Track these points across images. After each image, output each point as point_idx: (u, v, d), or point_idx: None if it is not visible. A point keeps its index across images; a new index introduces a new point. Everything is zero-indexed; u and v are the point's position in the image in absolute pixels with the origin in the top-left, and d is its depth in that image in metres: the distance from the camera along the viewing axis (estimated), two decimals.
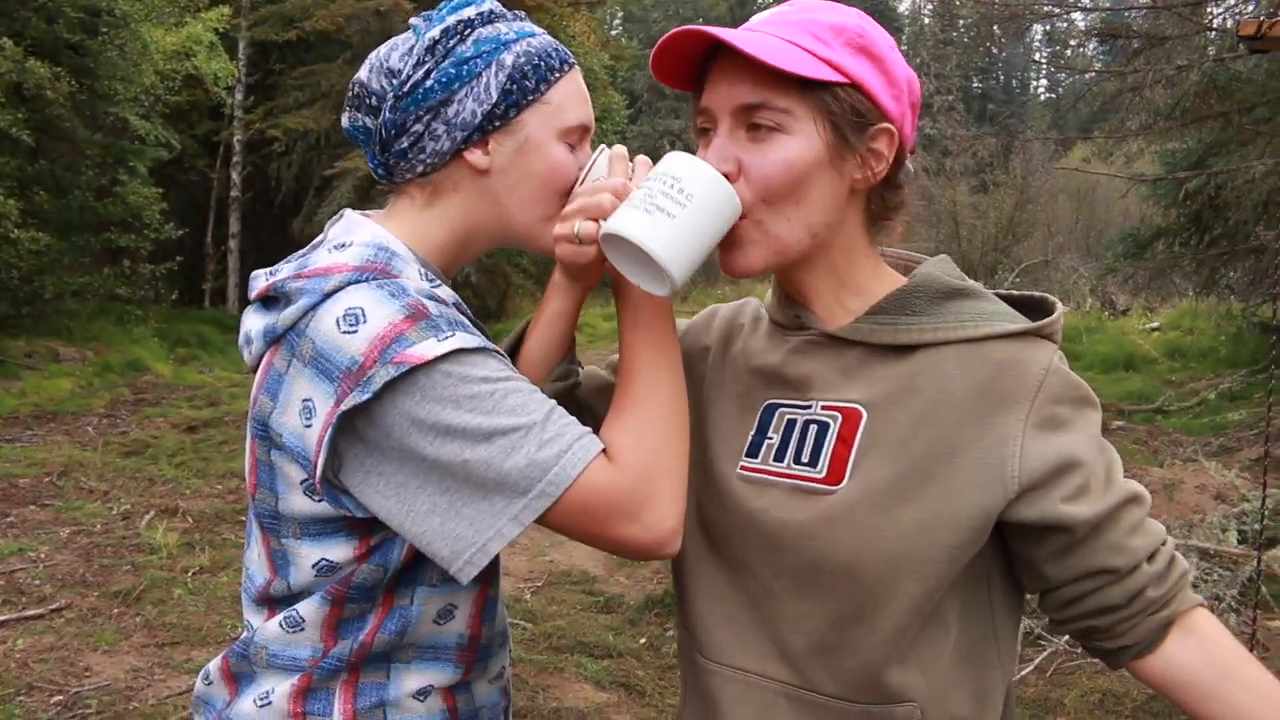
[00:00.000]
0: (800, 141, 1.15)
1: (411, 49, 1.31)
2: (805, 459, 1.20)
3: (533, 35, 1.34)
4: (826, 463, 1.18)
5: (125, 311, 14.50)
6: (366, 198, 16.99)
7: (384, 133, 1.31)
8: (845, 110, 1.15)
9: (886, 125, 1.18)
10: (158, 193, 14.88)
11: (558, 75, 1.33)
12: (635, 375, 1.24)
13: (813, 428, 1.21)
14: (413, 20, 1.35)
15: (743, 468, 1.26)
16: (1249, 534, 5.80)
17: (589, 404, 1.45)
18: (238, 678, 1.33)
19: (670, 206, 1.13)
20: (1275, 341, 3.37)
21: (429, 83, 1.29)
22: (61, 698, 4.18)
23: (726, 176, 1.15)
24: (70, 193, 13.39)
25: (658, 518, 1.16)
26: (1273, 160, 8.68)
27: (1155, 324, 16.33)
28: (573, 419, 1.18)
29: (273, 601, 1.32)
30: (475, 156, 1.31)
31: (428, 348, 1.14)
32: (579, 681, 4.42)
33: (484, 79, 1.29)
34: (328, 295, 1.20)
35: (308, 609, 1.27)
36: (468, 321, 1.25)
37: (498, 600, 1.41)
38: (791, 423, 1.23)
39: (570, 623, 5.04)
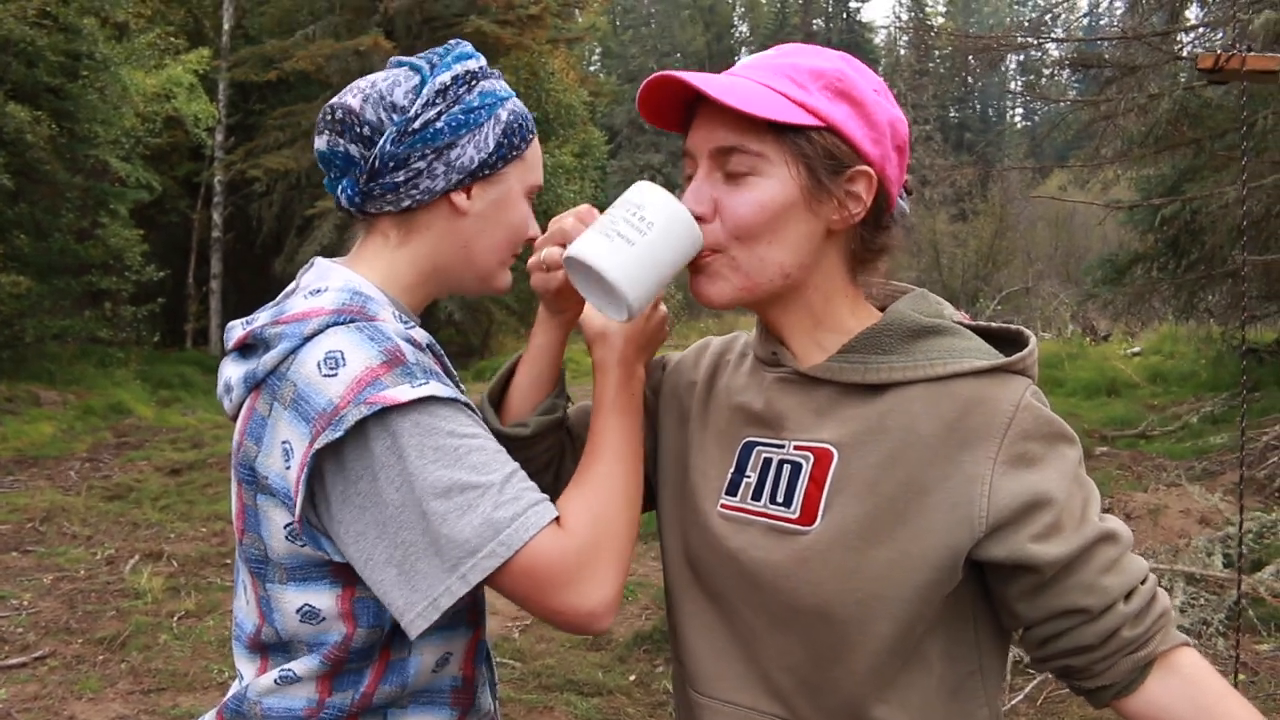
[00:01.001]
0: (773, 184, 1.16)
1: (418, 88, 1.35)
2: (780, 499, 1.21)
3: (514, 96, 1.43)
4: (800, 503, 1.19)
5: (107, 354, 14.45)
6: (347, 236, 17.00)
7: (378, 163, 1.33)
8: (819, 153, 1.16)
9: (864, 168, 1.19)
10: (139, 234, 14.88)
11: (531, 136, 1.43)
12: (601, 451, 1.29)
13: (786, 467, 1.21)
14: (412, 60, 1.39)
15: (723, 505, 1.27)
16: (1235, 557, 5.83)
17: (578, 435, 1.47)
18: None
19: (630, 233, 1.15)
20: (1245, 367, 3.40)
21: (439, 124, 1.34)
22: None
23: (700, 218, 1.18)
24: (51, 235, 13.37)
25: (595, 592, 1.19)
26: (1247, 186, 8.78)
27: (1136, 349, 16.45)
28: (531, 484, 1.21)
29: (265, 649, 1.33)
30: (460, 199, 1.37)
31: (401, 392, 1.17)
32: None
33: (485, 129, 1.37)
34: (308, 339, 1.23)
35: (303, 668, 1.29)
36: (441, 371, 1.29)
37: (485, 642, 1.44)
38: (768, 461, 1.24)
39: (559, 660, 5.01)
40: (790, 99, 1.16)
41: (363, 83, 1.37)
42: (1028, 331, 1.24)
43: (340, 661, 1.28)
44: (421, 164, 1.34)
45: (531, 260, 1.32)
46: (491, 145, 1.37)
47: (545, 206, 20.66)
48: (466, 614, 1.37)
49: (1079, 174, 14.72)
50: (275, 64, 18.56)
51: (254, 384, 1.27)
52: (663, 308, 1.37)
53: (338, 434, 1.16)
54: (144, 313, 15.19)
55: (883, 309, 1.30)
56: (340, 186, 1.38)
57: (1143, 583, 1.17)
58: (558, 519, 1.21)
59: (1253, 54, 3.08)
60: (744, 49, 67.39)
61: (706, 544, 1.28)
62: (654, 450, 1.43)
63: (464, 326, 19.75)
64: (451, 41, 1.42)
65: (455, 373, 1.40)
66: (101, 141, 13.88)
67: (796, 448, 1.21)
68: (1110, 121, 10.77)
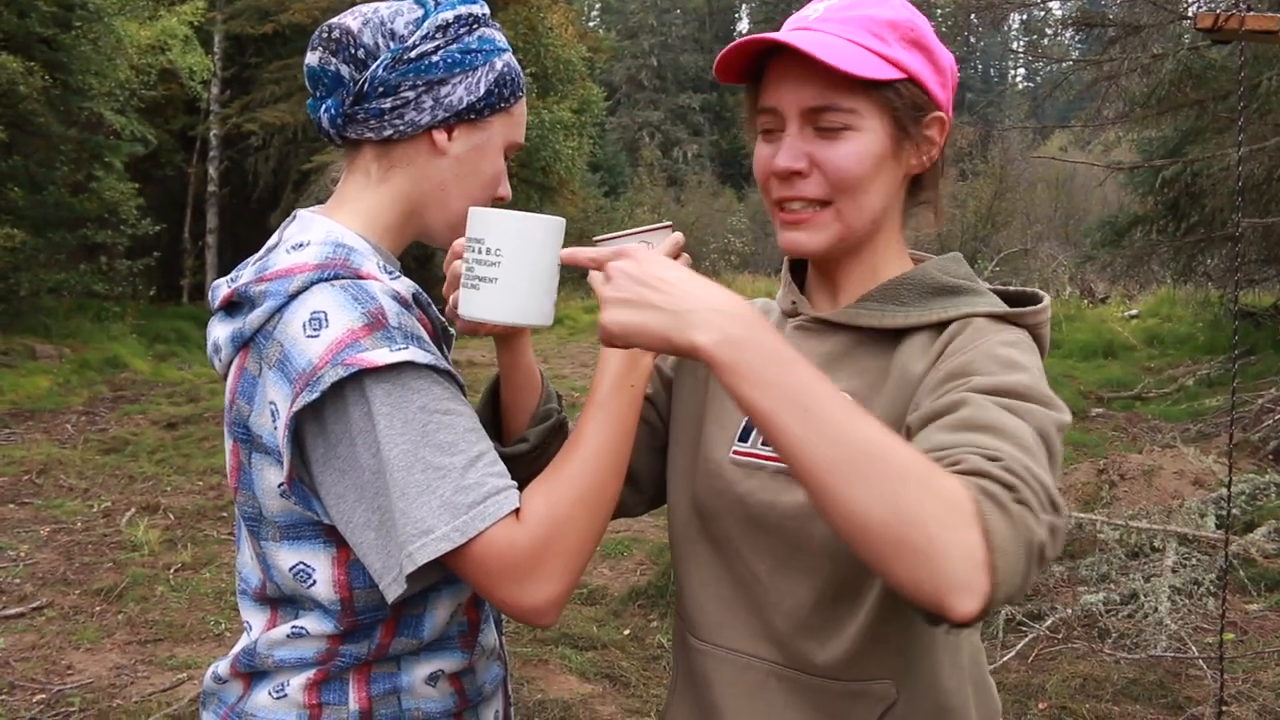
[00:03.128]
0: (867, 137, 1.20)
1: (419, 20, 1.36)
2: None
3: (510, 51, 1.43)
4: None
5: (103, 308, 14.42)
6: None
7: (367, 86, 1.34)
8: (905, 105, 1.21)
9: (939, 113, 1.24)
10: (134, 188, 14.79)
11: (521, 94, 1.44)
12: (578, 448, 1.27)
13: None
14: None
15: (735, 452, 1.30)
16: (1231, 517, 5.86)
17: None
18: (249, 675, 1.35)
19: (489, 272, 1.16)
20: (1237, 329, 3.40)
21: (435, 58, 1.35)
22: (44, 696, 4.16)
23: (798, 173, 1.20)
24: (45, 189, 13.29)
25: (539, 589, 1.19)
26: (1248, 148, 8.74)
27: (1134, 311, 16.46)
28: (498, 469, 1.20)
29: (273, 602, 1.35)
30: (440, 138, 1.37)
31: (379, 355, 1.17)
32: (564, 673, 4.43)
33: (479, 73, 1.37)
34: (292, 297, 1.23)
35: (315, 626, 1.31)
36: (425, 331, 1.28)
37: None
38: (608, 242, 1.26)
39: None
40: (874, 52, 1.19)
41: (365, 8, 1.37)
42: (1045, 295, 1.26)
43: (351, 622, 1.29)
44: (410, 94, 1.34)
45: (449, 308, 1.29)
46: (482, 90, 1.37)
47: (543, 162, 20.59)
48: None
49: (1080, 135, 14.65)
50: (271, 16, 18.38)
51: (241, 343, 1.28)
52: None
53: (314, 395, 1.17)
54: (140, 267, 15.15)
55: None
56: (324, 106, 1.38)
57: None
58: (517, 511, 1.20)
59: (1252, 14, 3.04)
60: (744, 5, 66.78)
61: (716, 490, 1.30)
62: (669, 412, 1.45)
63: None
64: None
65: (442, 320, 1.40)
66: (96, 93, 13.75)
67: None
68: (1113, 82, 10.70)
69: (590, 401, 1.31)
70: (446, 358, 1.37)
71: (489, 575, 1.18)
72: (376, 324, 1.20)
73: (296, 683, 1.31)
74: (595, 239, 1.31)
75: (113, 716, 4.03)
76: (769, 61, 1.24)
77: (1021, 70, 66.72)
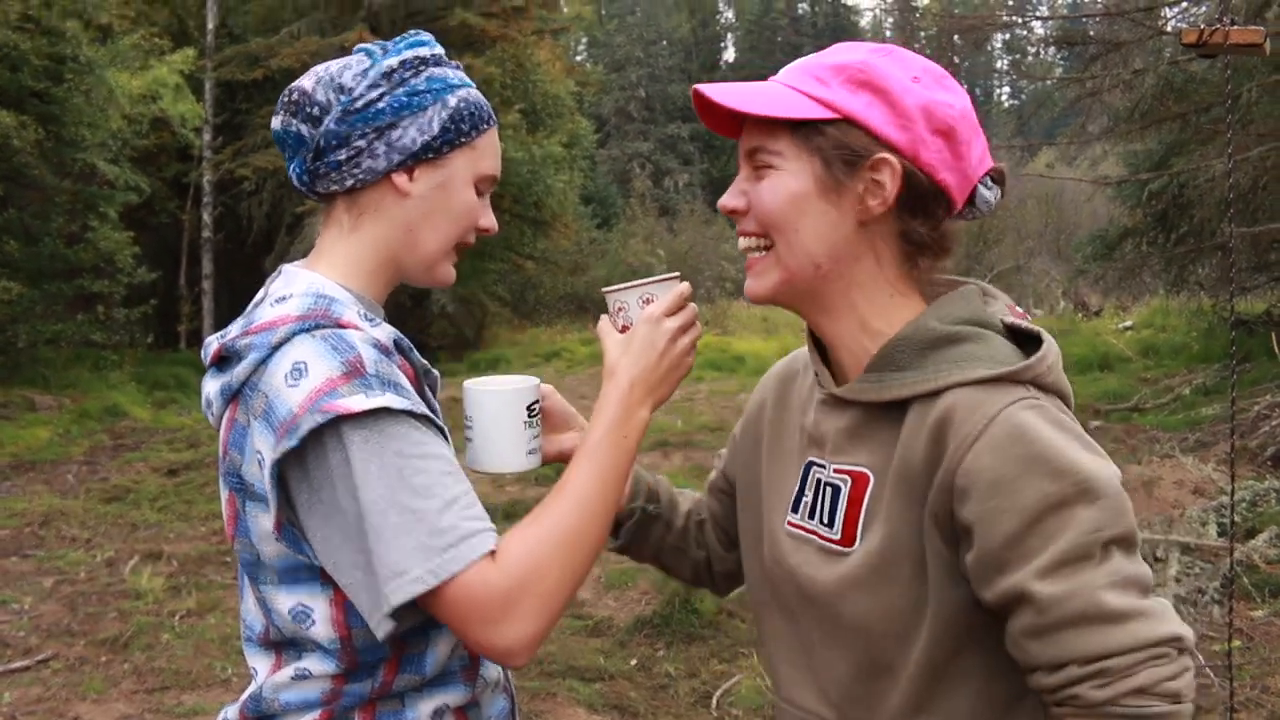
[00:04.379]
0: (788, 177, 1.23)
1: (365, 71, 1.40)
2: (825, 520, 1.27)
3: (471, 87, 1.45)
4: (840, 525, 1.25)
5: (101, 357, 14.42)
6: None
7: (322, 141, 1.38)
8: (831, 145, 1.21)
9: (885, 155, 1.20)
10: (129, 237, 14.81)
11: (486, 127, 1.45)
12: (563, 495, 1.31)
13: (829, 489, 1.27)
14: (364, 45, 1.45)
15: (789, 523, 1.35)
16: (1227, 526, 5.87)
17: (719, 498, 1.62)
18: (258, 718, 1.37)
19: (471, 434, 1.45)
20: (1234, 338, 3.43)
21: (381, 105, 1.38)
22: None
23: (735, 211, 1.28)
24: (41, 240, 13.33)
25: (512, 632, 1.22)
26: (1233, 159, 8.81)
27: (1128, 323, 16.50)
28: (475, 512, 1.24)
29: (277, 646, 1.37)
30: (401, 180, 1.40)
31: (355, 402, 1.21)
32: (572, 705, 4.42)
33: (429, 113, 1.40)
34: (275, 348, 1.28)
35: (318, 667, 1.33)
36: (405, 376, 1.32)
37: None
38: (820, 482, 1.29)
39: (560, 647, 5.04)
40: (809, 95, 1.22)
41: (320, 67, 1.43)
42: (1047, 336, 1.23)
43: (353, 661, 1.32)
44: (362, 143, 1.38)
45: None
46: (436, 129, 1.39)
47: (535, 197, 20.64)
48: None
49: (1066, 151, 14.74)
50: (261, 62, 18.49)
51: (230, 395, 1.33)
52: (683, 340, 1.38)
53: (292, 442, 1.21)
54: (137, 315, 15.15)
55: None
56: (292, 165, 1.44)
57: (1088, 664, 1.07)
58: (494, 553, 1.22)
59: (1235, 27, 3.08)
60: (729, 35, 67.27)
61: (775, 559, 1.35)
62: (734, 474, 1.53)
63: (457, 320, 19.74)
64: (411, 31, 1.47)
65: (426, 364, 1.44)
66: (89, 144, 13.81)
67: (836, 470, 1.27)
68: (1096, 98, 10.78)
69: (581, 449, 1.36)
70: (430, 401, 1.41)
71: (463, 616, 1.21)
72: (354, 372, 1.24)
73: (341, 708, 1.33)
74: (603, 290, 1.42)
75: None
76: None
77: (1006, 89, 67.12)
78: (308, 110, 1.39)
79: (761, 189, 1.24)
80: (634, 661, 4.90)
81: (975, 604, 1.15)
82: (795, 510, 1.33)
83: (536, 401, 1.47)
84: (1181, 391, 10.53)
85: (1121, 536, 1.08)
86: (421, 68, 1.41)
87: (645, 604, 5.65)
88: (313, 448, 1.23)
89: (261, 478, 1.27)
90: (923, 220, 1.24)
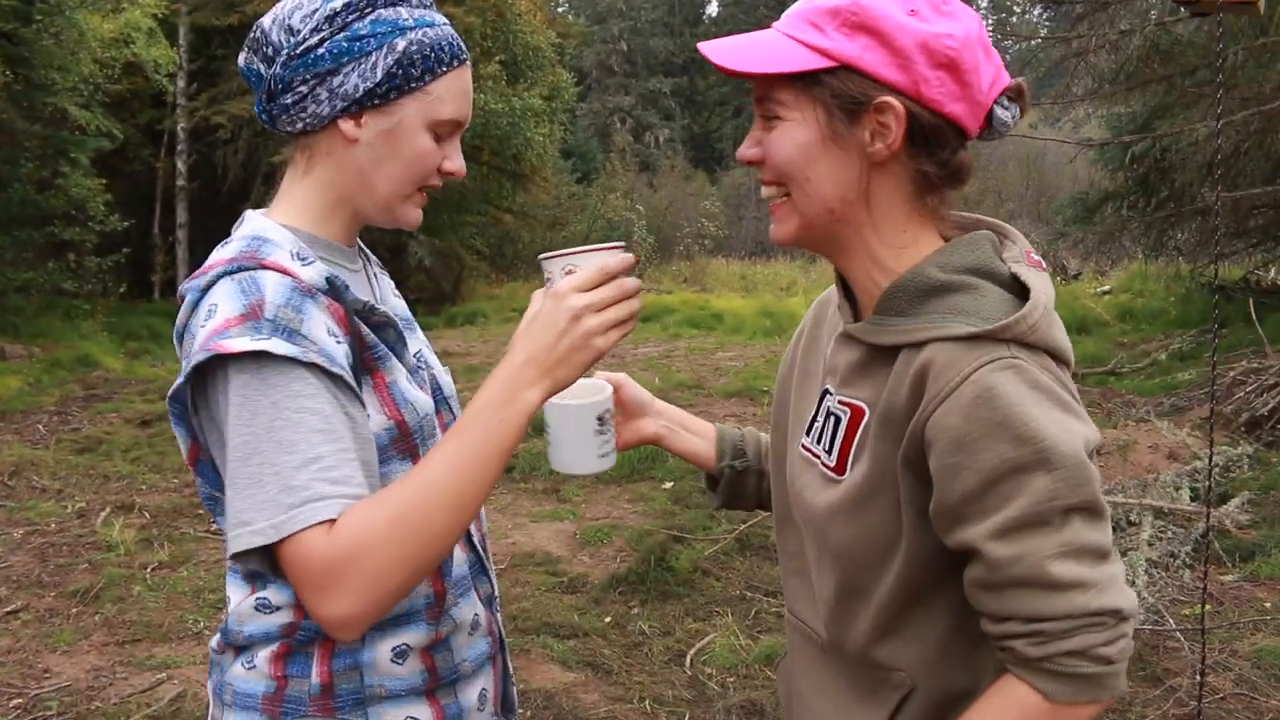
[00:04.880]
0: (795, 126, 1.24)
1: (312, 13, 1.37)
2: (826, 447, 1.33)
3: (431, 25, 1.39)
4: (836, 454, 1.30)
5: (72, 306, 14.27)
6: None
7: (272, 84, 1.39)
8: (831, 93, 1.21)
9: (887, 98, 1.20)
10: (101, 184, 14.62)
11: (445, 69, 1.40)
12: (422, 472, 1.27)
13: (832, 419, 1.32)
14: None
15: (802, 445, 1.40)
16: (1201, 491, 5.90)
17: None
18: (231, 647, 1.42)
19: (549, 438, 1.51)
20: (1217, 303, 3.43)
21: (320, 50, 1.36)
22: (21, 700, 4.12)
23: (752, 162, 1.29)
24: (10, 186, 13.12)
25: (335, 604, 1.20)
26: (1219, 123, 8.80)
27: (1106, 287, 16.55)
28: (333, 475, 1.23)
29: (249, 575, 1.39)
30: (348, 126, 1.38)
31: (238, 343, 1.22)
32: (546, 662, 4.42)
33: (373, 58, 1.36)
34: (204, 291, 1.31)
35: (276, 595, 1.36)
36: (314, 328, 1.28)
37: (452, 556, 1.45)
38: (828, 410, 1.34)
39: (535, 604, 5.04)
40: (806, 44, 1.22)
41: (280, 4, 1.40)
42: (1038, 291, 1.21)
43: None
44: (304, 88, 1.37)
45: None
46: (379, 75, 1.35)
47: (514, 150, 20.46)
48: None
49: (1050, 112, 14.68)
50: (236, 7, 18.15)
51: (179, 338, 1.35)
52: (590, 319, 1.28)
53: (180, 380, 1.27)
54: (109, 263, 14.98)
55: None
56: (256, 104, 1.45)
57: (1024, 624, 1.14)
58: (334, 521, 1.21)
59: None
60: None
61: (788, 479, 1.43)
62: (775, 396, 1.57)
63: (435, 273, 19.60)
64: None
65: (364, 302, 1.39)
66: (59, 88, 13.57)
67: (840, 401, 1.31)
68: (1081, 59, 10.72)
69: (458, 423, 1.30)
70: (366, 337, 1.37)
71: (296, 579, 1.22)
72: (251, 314, 1.25)
73: (264, 655, 1.37)
74: (539, 257, 1.36)
75: (91, 719, 4.00)
76: None
77: None
78: (264, 50, 1.39)
79: (772, 140, 1.26)
80: (608, 619, 4.90)
81: (944, 545, 1.20)
82: (808, 434, 1.38)
83: (608, 410, 1.51)
84: (1158, 356, 10.58)
85: (1081, 505, 1.12)
86: (368, 10, 1.36)
87: (620, 561, 5.64)
88: (207, 385, 1.27)
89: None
90: (935, 155, 1.25)
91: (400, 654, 1.38)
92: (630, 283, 1.30)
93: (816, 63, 1.21)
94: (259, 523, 1.20)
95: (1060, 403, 1.15)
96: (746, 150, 1.30)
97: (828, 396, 1.34)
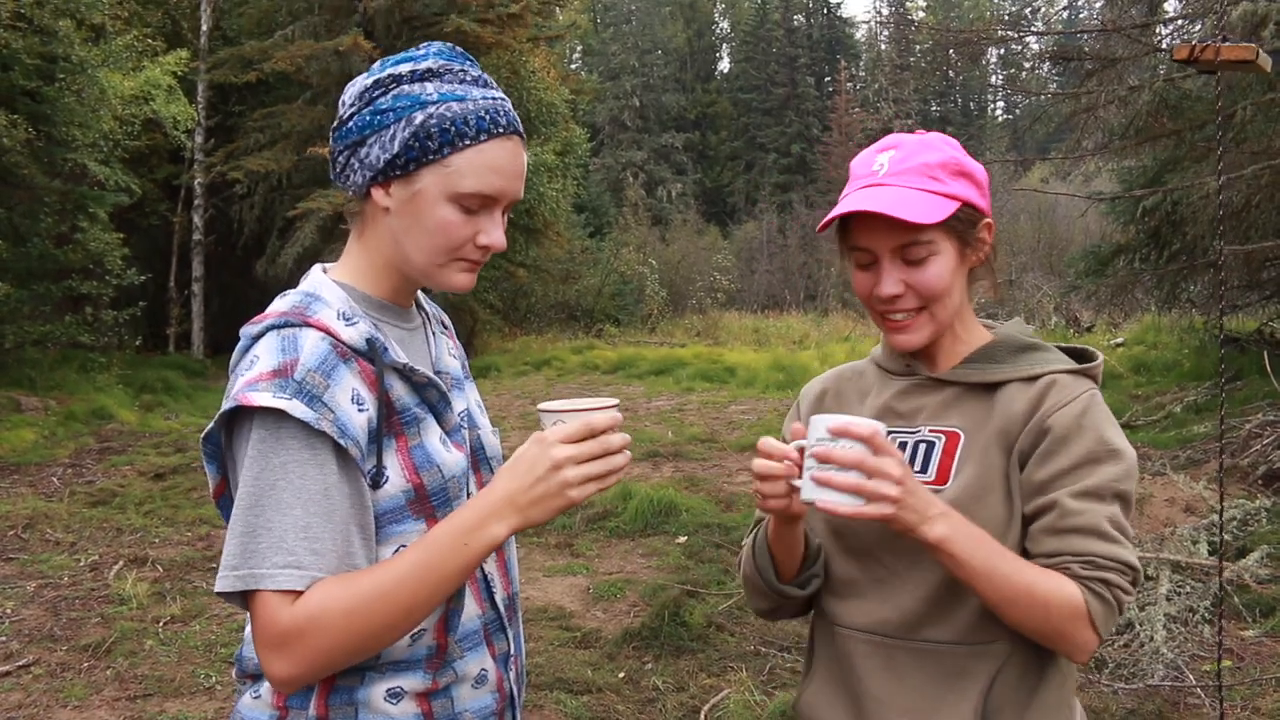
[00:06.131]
0: (944, 259, 1.59)
1: (352, 91, 1.49)
2: (918, 468, 1.62)
3: (461, 100, 1.44)
4: (935, 470, 1.60)
5: (88, 359, 14.35)
6: (330, 238, 16.93)
7: (330, 155, 1.52)
8: (964, 225, 1.60)
9: (986, 220, 1.65)
10: (119, 238, 14.77)
11: (467, 143, 1.43)
12: (385, 570, 1.35)
13: (922, 446, 1.63)
14: (380, 61, 1.51)
15: None
16: (1223, 544, 5.85)
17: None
18: (245, 676, 1.51)
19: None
20: (1224, 356, 3.42)
21: (350, 124, 1.47)
22: None
23: (898, 296, 1.59)
24: (29, 240, 13.27)
25: (279, 667, 1.32)
26: (1226, 176, 8.82)
27: (1120, 340, 16.51)
28: (316, 546, 1.32)
29: None
30: (378, 195, 1.47)
31: (261, 398, 1.31)
32: (559, 718, 4.38)
33: (391, 130, 1.43)
34: (255, 339, 1.41)
35: None
36: (337, 396, 1.36)
37: (460, 611, 1.50)
38: (902, 444, 1.64)
39: (548, 659, 5.00)
40: (936, 193, 1.57)
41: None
42: (1095, 350, 1.70)
43: None
44: (342, 159, 1.48)
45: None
46: (396, 147, 1.42)
47: (527, 204, 20.62)
48: None
49: (1060, 166, 14.74)
50: (254, 65, 18.45)
51: (231, 375, 1.45)
52: (569, 471, 1.35)
53: (210, 424, 1.37)
54: (125, 317, 15.09)
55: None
56: None
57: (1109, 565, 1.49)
58: (300, 592, 1.31)
59: (1227, 44, 3.07)
60: (724, 45, 67.39)
61: None
62: None
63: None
64: (423, 44, 1.51)
65: (403, 363, 1.45)
66: (79, 145, 13.77)
67: (931, 431, 1.63)
68: (1091, 114, 10.80)
69: (436, 532, 1.38)
70: (396, 400, 1.44)
71: (255, 631, 1.33)
72: (282, 372, 1.34)
73: (268, 686, 1.44)
74: (539, 407, 1.42)
75: None
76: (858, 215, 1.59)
77: (1001, 104, 67.37)
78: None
79: (927, 275, 1.58)
80: (621, 674, 4.86)
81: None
82: None
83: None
84: (1173, 409, 10.52)
85: (1127, 493, 1.53)
86: (392, 86, 1.44)
87: (634, 616, 5.61)
88: (235, 430, 1.37)
89: None
90: (990, 261, 1.70)
91: (395, 695, 1.44)
92: (615, 440, 1.38)
93: (952, 206, 1.57)
94: (242, 569, 1.31)
95: (1118, 426, 1.61)
96: (891, 289, 1.59)
97: (900, 433, 1.65)
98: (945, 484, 1.58)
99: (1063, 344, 1.71)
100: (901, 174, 1.59)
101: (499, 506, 1.36)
